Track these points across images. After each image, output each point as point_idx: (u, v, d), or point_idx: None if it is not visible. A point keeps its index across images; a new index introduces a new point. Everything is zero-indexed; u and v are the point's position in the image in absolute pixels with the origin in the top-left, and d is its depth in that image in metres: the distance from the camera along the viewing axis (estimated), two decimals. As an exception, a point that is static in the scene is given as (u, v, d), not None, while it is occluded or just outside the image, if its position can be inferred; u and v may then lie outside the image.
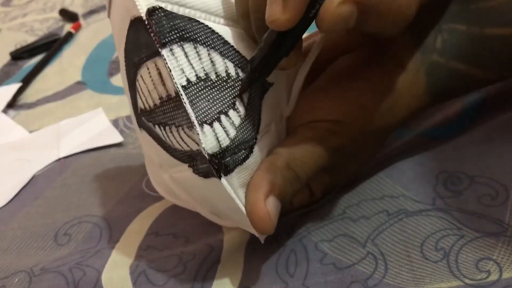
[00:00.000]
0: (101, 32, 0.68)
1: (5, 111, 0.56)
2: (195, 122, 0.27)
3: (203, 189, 0.30)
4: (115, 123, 0.50)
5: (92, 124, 0.50)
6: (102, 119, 0.51)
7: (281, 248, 0.33)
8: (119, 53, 0.31)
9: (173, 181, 0.32)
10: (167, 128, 0.29)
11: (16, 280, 0.35)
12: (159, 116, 0.29)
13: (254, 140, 0.29)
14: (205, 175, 0.29)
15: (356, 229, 0.33)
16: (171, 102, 0.28)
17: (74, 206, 0.41)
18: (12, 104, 0.58)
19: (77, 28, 0.71)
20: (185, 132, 0.28)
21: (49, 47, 0.67)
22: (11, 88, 0.59)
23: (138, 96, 0.30)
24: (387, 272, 0.30)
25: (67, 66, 0.63)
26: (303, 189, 0.33)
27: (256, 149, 0.29)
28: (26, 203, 0.43)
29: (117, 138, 0.47)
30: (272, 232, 0.28)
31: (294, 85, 0.32)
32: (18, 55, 0.68)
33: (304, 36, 0.37)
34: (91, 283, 0.34)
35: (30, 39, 0.71)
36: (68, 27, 0.71)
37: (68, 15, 0.74)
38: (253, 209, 0.28)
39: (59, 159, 0.47)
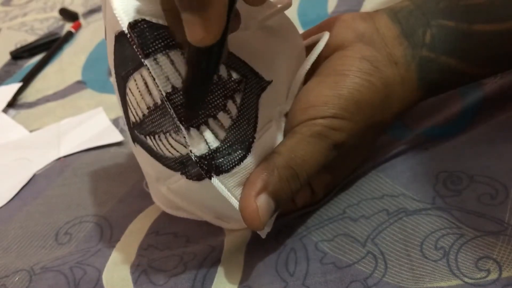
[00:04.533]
0: (101, 32, 0.68)
1: (5, 110, 0.56)
2: (181, 126, 0.27)
3: (200, 193, 0.30)
4: (115, 122, 0.50)
5: (92, 123, 0.50)
6: (102, 118, 0.51)
7: (281, 248, 0.33)
8: (112, 70, 0.31)
9: (171, 193, 0.32)
10: (156, 136, 0.29)
11: (17, 278, 0.35)
12: (148, 125, 0.29)
13: (251, 140, 0.29)
14: (198, 178, 0.29)
15: (356, 228, 0.33)
16: (158, 110, 0.28)
17: (74, 205, 0.41)
18: (12, 104, 0.58)
19: (77, 27, 0.71)
20: (172, 137, 0.28)
21: (49, 46, 0.67)
22: (12, 88, 0.59)
23: (129, 109, 0.30)
24: (387, 271, 0.30)
25: (67, 66, 0.63)
26: (304, 188, 0.33)
27: (254, 148, 0.29)
28: (26, 202, 0.43)
29: (117, 137, 0.47)
30: (262, 229, 0.29)
31: (294, 82, 0.32)
32: (18, 55, 0.68)
33: (304, 32, 0.37)
34: (92, 282, 0.34)
35: (30, 38, 0.71)
36: (68, 26, 0.71)
37: (68, 15, 0.74)
38: (243, 205, 0.28)
39: (60, 158, 0.47)
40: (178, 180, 0.30)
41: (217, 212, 0.33)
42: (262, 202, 0.28)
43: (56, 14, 0.76)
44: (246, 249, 0.34)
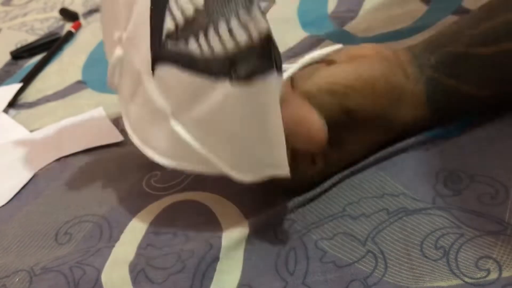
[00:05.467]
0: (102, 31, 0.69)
1: (5, 110, 0.56)
2: None
3: (239, 109, 0.28)
4: (115, 122, 0.50)
5: (93, 123, 0.50)
6: (102, 118, 0.51)
7: (281, 246, 0.33)
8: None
9: (185, 129, 0.31)
10: (210, 31, 0.27)
11: (17, 279, 0.35)
12: (201, 20, 0.28)
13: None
14: (250, 75, 0.27)
15: (356, 227, 0.33)
16: None
17: (74, 205, 0.41)
18: (12, 104, 0.58)
19: (78, 27, 0.71)
20: (239, 19, 0.26)
21: (49, 46, 0.67)
22: (12, 88, 0.59)
23: (169, 16, 0.29)
24: (387, 271, 0.30)
25: (67, 66, 0.63)
26: (305, 157, 0.34)
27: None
28: (26, 202, 0.43)
29: (117, 137, 0.47)
30: (324, 144, 0.31)
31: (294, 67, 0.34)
32: (19, 55, 0.68)
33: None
34: (91, 282, 0.34)
35: (30, 38, 0.71)
36: (69, 26, 0.71)
37: (68, 15, 0.74)
38: (305, 119, 0.30)
39: (60, 158, 0.47)
40: (215, 96, 0.28)
41: (237, 151, 0.30)
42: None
43: (56, 14, 0.76)
44: (245, 247, 0.34)
